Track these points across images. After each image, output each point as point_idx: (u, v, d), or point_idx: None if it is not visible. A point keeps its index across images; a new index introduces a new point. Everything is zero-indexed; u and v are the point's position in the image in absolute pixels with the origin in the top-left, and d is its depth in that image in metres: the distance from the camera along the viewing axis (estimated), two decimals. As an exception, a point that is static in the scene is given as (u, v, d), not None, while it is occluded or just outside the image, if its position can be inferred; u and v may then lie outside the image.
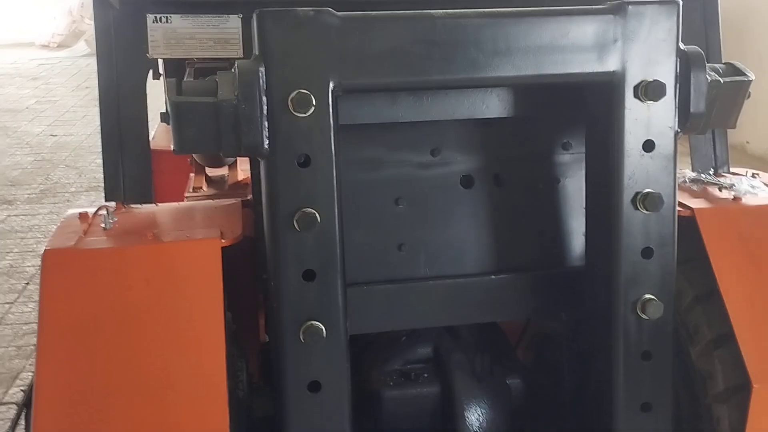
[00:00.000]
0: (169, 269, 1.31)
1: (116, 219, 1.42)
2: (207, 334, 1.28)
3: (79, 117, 6.62)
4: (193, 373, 1.26)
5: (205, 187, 1.85)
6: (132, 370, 1.26)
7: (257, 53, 1.23)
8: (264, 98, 1.22)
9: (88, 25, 10.16)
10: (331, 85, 1.24)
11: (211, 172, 1.93)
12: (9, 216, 4.24)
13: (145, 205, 1.53)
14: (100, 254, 1.32)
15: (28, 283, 3.37)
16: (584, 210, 1.50)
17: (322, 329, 1.27)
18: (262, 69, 1.21)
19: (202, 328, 1.28)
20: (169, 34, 1.54)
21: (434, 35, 1.27)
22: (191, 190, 1.84)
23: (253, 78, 1.21)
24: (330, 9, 1.24)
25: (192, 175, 1.99)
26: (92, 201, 4.48)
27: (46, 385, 1.28)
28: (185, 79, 1.91)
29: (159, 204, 1.56)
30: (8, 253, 3.72)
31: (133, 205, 1.53)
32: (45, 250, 1.29)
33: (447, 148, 1.52)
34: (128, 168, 1.53)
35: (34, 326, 2.95)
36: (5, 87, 7.92)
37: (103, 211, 1.46)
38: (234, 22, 1.56)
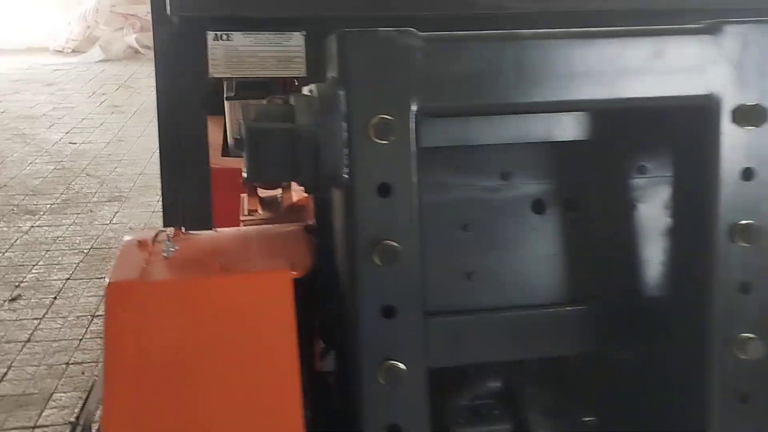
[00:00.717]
0: (239, 303, 1.24)
1: (177, 246, 1.35)
2: (281, 374, 1.21)
3: (96, 124, 6.57)
4: (266, 414, 1.20)
5: (260, 210, 1.78)
6: (202, 410, 1.20)
7: (336, 76, 1.16)
8: (343, 124, 1.15)
9: (103, 31, 10.15)
10: (414, 109, 1.17)
11: (262, 192, 1.86)
12: (32, 227, 4.19)
13: (203, 231, 1.46)
14: (166, 286, 1.25)
15: (55, 298, 3.31)
16: (661, 237, 1.43)
17: (402, 369, 1.20)
18: (341, 93, 1.15)
19: (275, 367, 1.21)
20: (231, 53, 1.47)
21: (522, 57, 1.20)
22: (246, 213, 1.77)
23: (333, 103, 1.14)
24: (413, 29, 1.17)
25: (244, 196, 1.92)
26: (115, 212, 4.43)
27: (112, 425, 1.21)
28: (225, 95, 1.84)
29: (218, 229, 1.49)
30: (34, 266, 3.66)
31: (191, 231, 1.46)
32: (109, 283, 1.22)
33: (518, 172, 1.45)
34: (187, 193, 1.47)
35: (64, 343, 2.90)
36: (21, 93, 7.89)
37: (164, 238, 1.40)
38: (297, 39, 1.49)
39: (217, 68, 1.48)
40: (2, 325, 3.04)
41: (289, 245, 1.43)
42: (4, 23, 10.56)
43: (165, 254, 1.35)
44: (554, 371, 1.57)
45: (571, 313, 1.45)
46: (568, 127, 1.42)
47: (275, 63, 1.49)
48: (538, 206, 1.51)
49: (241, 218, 1.75)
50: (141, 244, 1.41)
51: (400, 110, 1.18)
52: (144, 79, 8.61)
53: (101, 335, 2.87)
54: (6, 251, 3.85)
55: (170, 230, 1.49)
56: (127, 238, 1.49)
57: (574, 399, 1.54)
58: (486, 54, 1.21)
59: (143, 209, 4.49)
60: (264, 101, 1.52)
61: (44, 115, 6.92)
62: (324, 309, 1.40)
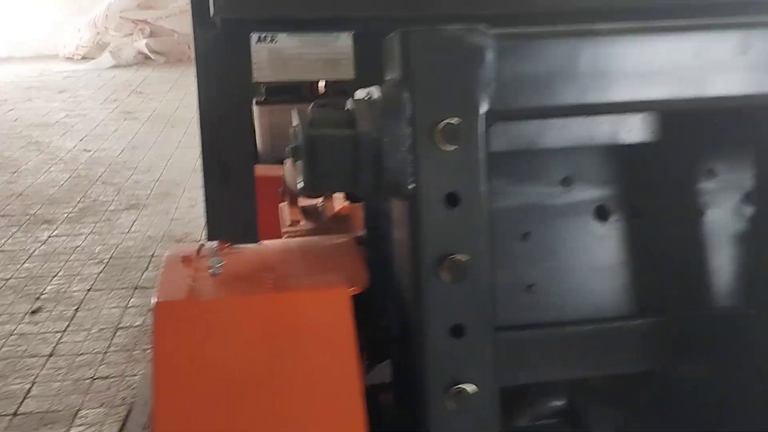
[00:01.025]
0: (295, 322, 1.16)
1: (223, 262, 1.28)
2: (342, 395, 1.13)
3: (110, 131, 6.51)
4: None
5: (302, 221, 1.70)
6: (257, 437, 1.12)
7: (399, 78, 1.08)
8: (407, 129, 1.07)
9: (113, 37, 10.10)
10: (483, 112, 1.09)
11: (302, 201, 1.78)
12: (51, 236, 4.12)
13: (249, 245, 1.38)
14: (218, 306, 1.17)
15: (77, 310, 3.24)
16: (732, 243, 1.34)
17: (472, 392, 1.11)
18: (405, 96, 1.07)
19: (335, 389, 1.14)
20: (275, 55, 1.39)
21: (600, 54, 1.12)
22: (288, 224, 1.69)
23: (396, 106, 1.06)
24: (481, 26, 1.09)
25: (283, 205, 1.84)
26: (133, 220, 4.36)
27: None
28: (254, 100, 1.77)
29: (263, 242, 1.41)
30: (54, 276, 3.59)
31: (237, 245, 1.38)
32: (157, 302, 1.15)
33: (579, 177, 1.37)
34: (232, 204, 1.38)
35: (88, 357, 2.83)
36: (33, 100, 7.85)
37: (209, 253, 1.32)
38: (345, 40, 1.41)
39: (261, 72, 1.40)
40: (24, 339, 2.97)
41: (342, 258, 1.35)
42: (14, 31, 10.53)
43: (212, 270, 1.28)
44: (620, 388, 1.49)
45: (639, 326, 1.37)
46: (634, 129, 1.34)
47: (322, 65, 1.41)
48: (602, 213, 1.43)
49: (284, 230, 1.66)
50: (185, 259, 1.33)
51: (468, 113, 1.10)
52: (155, 85, 8.56)
53: (126, 348, 2.79)
54: (25, 262, 3.78)
55: (214, 244, 1.41)
56: (169, 252, 1.42)
57: (642, 418, 1.46)
58: (561, 51, 1.12)
59: (161, 217, 4.41)
60: (293, 106, 1.45)
61: (57, 122, 6.87)
62: (375, 323, 1.32)
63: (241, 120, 1.39)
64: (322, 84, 2.32)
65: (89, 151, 5.89)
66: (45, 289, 3.45)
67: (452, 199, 1.10)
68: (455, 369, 1.13)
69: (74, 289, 3.45)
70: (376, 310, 1.32)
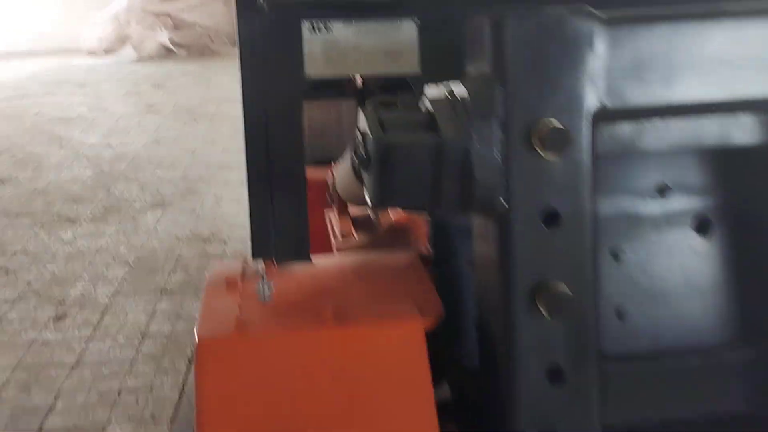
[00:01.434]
0: (361, 359, 0.99)
1: (272, 286, 1.10)
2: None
3: (133, 125, 6.38)
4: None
5: (355, 233, 1.52)
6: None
7: (490, 72, 0.90)
8: (500, 133, 0.89)
9: (135, 30, 9.98)
10: (592, 113, 0.91)
11: (353, 209, 1.60)
12: (75, 237, 3.99)
13: (300, 265, 1.21)
14: (269, 342, 1.00)
15: (102, 315, 3.10)
16: None
17: None
18: (498, 93, 0.89)
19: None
20: (330, 47, 1.21)
21: (733, 39, 0.94)
22: (339, 237, 1.52)
23: (487, 106, 0.89)
24: (589, 7, 0.91)
25: (331, 215, 1.66)
26: (158, 218, 4.22)
27: None
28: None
29: (315, 259, 1.23)
30: (78, 279, 3.45)
31: (286, 264, 1.21)
32: (199, 339, 0.98)
33: (678, 185, 1.18)
34: (281, 217, 1.21)
35: (115, 367, 2.67)
36: (55, 95, 7.75)
37: (255, 275, 1.15)
38: (409, 28, 1.23)
39: (314, 65, 1.22)
40: (48, 348, 2.84)
41: (409, 282, 1.18)
42: (37, 24, 10.46)
43: (261, 297, 1.11)
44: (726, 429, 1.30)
45: (748, 357, 1.19)
46: (749, 129, 1.15)
47: (383, 58, 1.24)
48: (703, 226, 1.24)
49: (335, 244, 1.49)
50: (229, 283, 1.16)
51: (574, 114, 0.92)
52: (178, 78, 8.44)
53: (153, 357, 2.62)
54: (48, 263, 3.65)
55: (261, 264, 1.24)
56: (209, 274, 1.25)
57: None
58: (687, 37, 0.94)
59: (187, 215, 4.27)
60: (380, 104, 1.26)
61: (79, 116, 6.76)
62: (442, 349, 1.15)
63: (292, 119, 1.21)
64: (359, 78, 2.14)
65: (112, 146, 5.76)
66: (69, 293, 3.32)
67: (552, 218, 0.92)
68: (552, 419, 0.96)
69: (99, 292, 3.31)
70: (451, 343, 1.15)
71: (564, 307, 0.91)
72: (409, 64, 1.23)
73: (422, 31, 1.22)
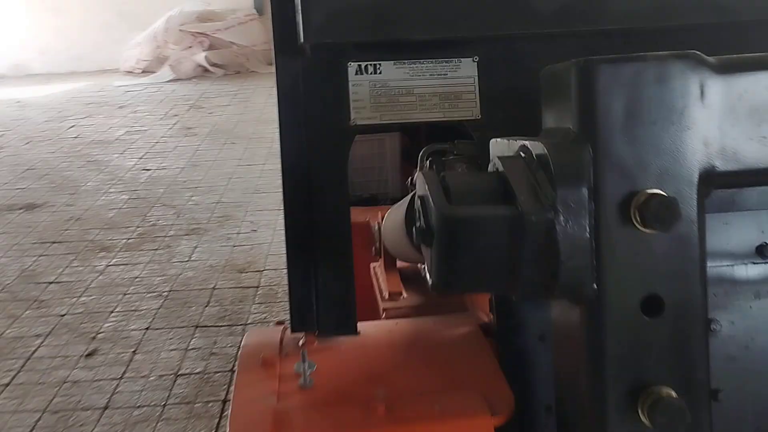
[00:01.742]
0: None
1: (315, 366, 0.96)
2: None
3: (170, 148, 6.34)
4: None
5: (404, 292, 1.38)
6: None
7: (579, 129, 0.75)
8: (591, 204, 0.74)
9: (172, 50, 10.02)
10: (702, 178, 0.75)
11: (399, 262, 1.45)
12: (108, 266, 3.91)
13: (346, 336, 1.07)
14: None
15: (135, 352, 2.99)
16: None
17: None
18: (587, 155, 0.74)
19: None
20: (379, 90, 1.07)
21: None
22: (386, 297, 1.37)
23: (577, 172, 0.73)
24: (698, 53, 0.75)
25: (376, 267, 1.52)
26: (194, 246, 4.12)
27: None
28: None
29: (361, 327, 1.09)
30: (111, 312, 3.36)
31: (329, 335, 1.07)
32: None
33: None
34: (324, 284, 1.07)
35: (147, 411, 2.54)
36: (94, 116, 7.76)
37: (295, 350, 1.01)
38: (468, 68, 1.08)
39: (361, 112, 1.08)
40: (78, 388, 2.74)
41: (472, 361, 1.02)
42: (77, 46, 10.57)
43: (301, 382, 0.97)
44: None
45: None
46: None
47: (438, 102, 1.09)
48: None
49: (383, 306, 1.34)
50: (266, 362, 1.02)
51: (681, 180, 0.76)
52: (214, 98, 8.41)
53: (186, 400, 2.47)
54: (81, 295, 3.57)
55: (301, 337, 1.10)
56: (245, 342, 1.11)
57: None
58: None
59: (223, 243, 4.17)
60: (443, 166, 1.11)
61: (117, 139, 6.74)
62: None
63: (337, 172, 1.07)
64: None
65: (149, 169, 5.71)
66: (101, 327, 3.22)
67: (654, 305, 0.76)
68: None
69: (132, 327, 3.21)
70: (511, 428, 0.99)
71: (672, 419, 0.74)
72: (469, 108, 1.08)
73: (481, 69, 1.08)
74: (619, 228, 0.74)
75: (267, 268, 3.80)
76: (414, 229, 0.80)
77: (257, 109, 7.62)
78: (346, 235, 1.07)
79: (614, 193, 0.73)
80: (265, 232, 4.27)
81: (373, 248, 1.48)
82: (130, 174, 5.63)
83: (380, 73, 1.06)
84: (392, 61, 1.06)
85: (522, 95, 1.07)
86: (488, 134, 1.06)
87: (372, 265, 1.54)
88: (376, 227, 1.46)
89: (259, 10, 10.33)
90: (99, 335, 3.16)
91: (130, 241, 4.27)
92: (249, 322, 3.23)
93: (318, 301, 1.07)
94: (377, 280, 1.47)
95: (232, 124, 7.09)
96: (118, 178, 5.54)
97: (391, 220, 1.19)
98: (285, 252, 1.09)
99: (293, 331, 1.06)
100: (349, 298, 1.07)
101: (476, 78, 1.07)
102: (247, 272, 3.78)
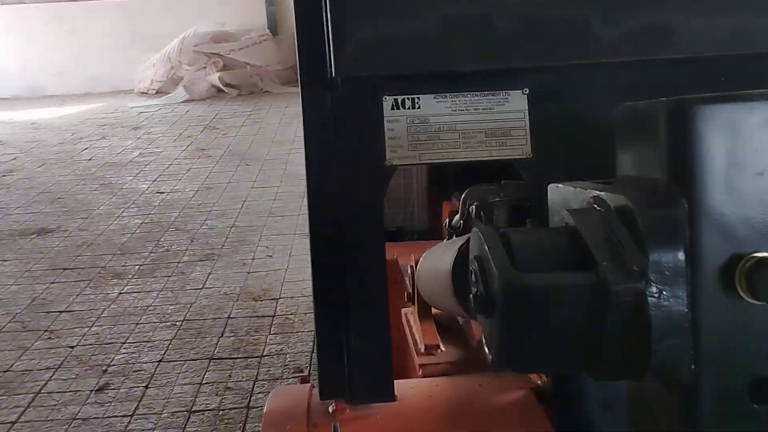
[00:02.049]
0: None
1: (348, 440, 0.84)
2: None
3: (184, 170, 6.26)
4: None
5: (442, 346, 1.26)
6: None
7: (666, 180, 0.63)
8: (687, 271, 0.62)
9: (186, 71, 10.00)
10: None
11: (435, 310, 1.33)
12: (120, 293, 3.81)
13: (381, 403, 0.95)
14: None
15: (147, 387, 2.88)
16: None
17: None
18: (681, 213, 0.62)
19: None
20: (418, 127, 0.96)
21: None
22: (422, 350, 1.25)
23: (671, 232, 0.62)
24: None
25: (410, 314, 1.40)
26: (208, 273, 4.02)
27: None
28: None
29: (397, 391, 0.97)
30: (123, 343, 3.26)
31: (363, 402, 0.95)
32: None
33: None
34: (357, 346, 0.95)
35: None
36: (108, 138, 7.73)
37: (323, 417, 0.89)
38: (517, 101, 0.97)
39: (397, 151, 0.97)
40: (88, 426, 2.63)
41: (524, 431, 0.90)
42: (92, 66, 10.58)
43: (333, 463, 0.85)
44: None
45: None
46: None
47: (484, 140, 0.98)
48: None
49: (420, 361, 1.23)
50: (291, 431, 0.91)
51: None
52: (228, 119, 8.35)
53: (200, 440, 2.31)
54: (93, 325, 3.47)
55: (330, 405, 0.99)
56: (269, 404, 1.00)
57: None
58: None
59: (238, 269, 4.06)
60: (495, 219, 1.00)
61: (131, 161, 6.68)
62: None
63: (372, 220, 0.96)
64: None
65: (162, 192, 5.63)
66: (113, 360, 3.12)
67: (762, 391, 0.64)
68: None
69: (144, 359, 3.10)
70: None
71: None
72: (519, 146, 0.97)
73: (533, 103, 0.96)
74: (721, 299, 0.62)
75: (283, 296, 3.69)
76: (471, 296, 0.69)
77: (271, 129, 7.55)
78: (382, 287, 0.96)
79: (715, 257, 0.61)
80: (281, 258, 4.16)
81: (405, 294, 1.36)
82: (143, 197, 5.56)
83: (419, 107, 0.95)
84: (432, 95, 0.95)
85: (579, 132, 0.95)
86: (541, 175, 0.94)
87: (404, 311, 1.42)
88: (409, 270, 1.34)
89: (273, 30, 10.31)
90: (110, 368, 3.05)
91: (143, 267, 4.17)
92: (265, 354, 3.12)
93: (350, 363, 0.95)
94: (410, 329, 1.35)
95: (246, 145, 7.02)
96: (131, 202, 5.46)
97: (429, 267, 1.07)
98: (312, 298, 0.98)
99: (322, 397, 0.95)
100: (385, 359, 0.95)
101: (526, 112, 0.96)
102: (262, 300, 3.67)
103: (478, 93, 0.96)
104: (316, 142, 0.96)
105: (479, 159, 0.96)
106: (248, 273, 4.01)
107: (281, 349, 3.15)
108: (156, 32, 10.34)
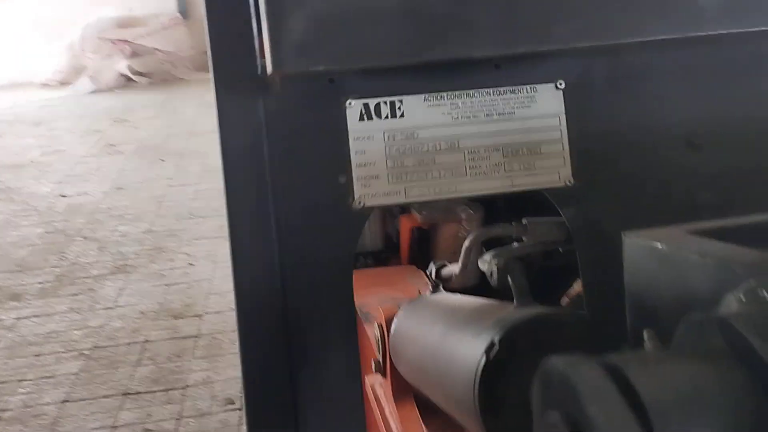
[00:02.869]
0: None
1: None
2: None
3: (92, 169, 5.72)
4: None
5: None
6: None
7: None
8: None
9: (91, 60, 9.33)
10: None
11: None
12: (18, 319, 3.33)
13: None
14: None
15: (50, 436, 2.46)
16: None
17: None
18: None
19: None
20: (401, 145, 0.61)
21: None
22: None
23: None
24: None
25: (375, 384, 1.06)
26: (120, 288, 3.58)
27: None
28: None
29: None
30: (21, 380, 2.81)
31: None
32: None
33: None
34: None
35: None
36: (4, 137, 7.05)
37: None
38: (549, 99, 0.63)
39: (371, 185, 0.62)
40: (-24, 494, 2.19)
41: None
42: (-16, 59, 9.73)
43: None
44: None
45: None
46: None
47: (502, 161, 0.64)
48: None
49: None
50: None
51: None
52: (140, 110, 7.78)
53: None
54: (-16, 360, 2.99)
55: None
56: None
57: None
58: None
59: (155, 282, 3.63)
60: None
61: (31, 162, 6.07)
62: None
63: (339, 299, 0.61)
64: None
65: (67, 196, 5.09)
66: (8, 403, 2.67)
67: None
68: None
69: (46, 400, 2.67)
70: None
71: None
72: (552, 169, 0.64)
73: (572, 102, 0.63)
74: None
75: (208, 311, 3.29)
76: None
77: (187, 120, 7.03)
78: (351, 336, 0.62)
79: None
80: (204, 266, 3.75)
81: (373, 362, 1.02)
82: (45, 202, 5.01)
83: (402, 115, 0.61)
84: (421, 95, 0.61)
85: (642, 144, 0.63)
86: (587, 212, 0.62)
87: (368, 380, 1.07)
88: (377, 331, 0.99)
89: (184, 14, 9.72)
90: (5, 414, 2.60)
91: (45, 285, 3.68)
92: (190, 384, 2.73)
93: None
94: (380, 407, 1.00)
95: (161, 138, 6.50)
96: (31, 208, 4.91)
97: (419, 345, 0.74)
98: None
99: None
100: (358, 415, 0.62)
101: (563, 116, 0.63)
102: (184, 317, 3.26)
103: (491, 90, 0.62)
104: (241, 174, 0.60)
105: (495, 192, 0.63)
106: (167, 286, 3.58)
107: (208, 377, 2.76)
108: (57, 20, 9.58)
